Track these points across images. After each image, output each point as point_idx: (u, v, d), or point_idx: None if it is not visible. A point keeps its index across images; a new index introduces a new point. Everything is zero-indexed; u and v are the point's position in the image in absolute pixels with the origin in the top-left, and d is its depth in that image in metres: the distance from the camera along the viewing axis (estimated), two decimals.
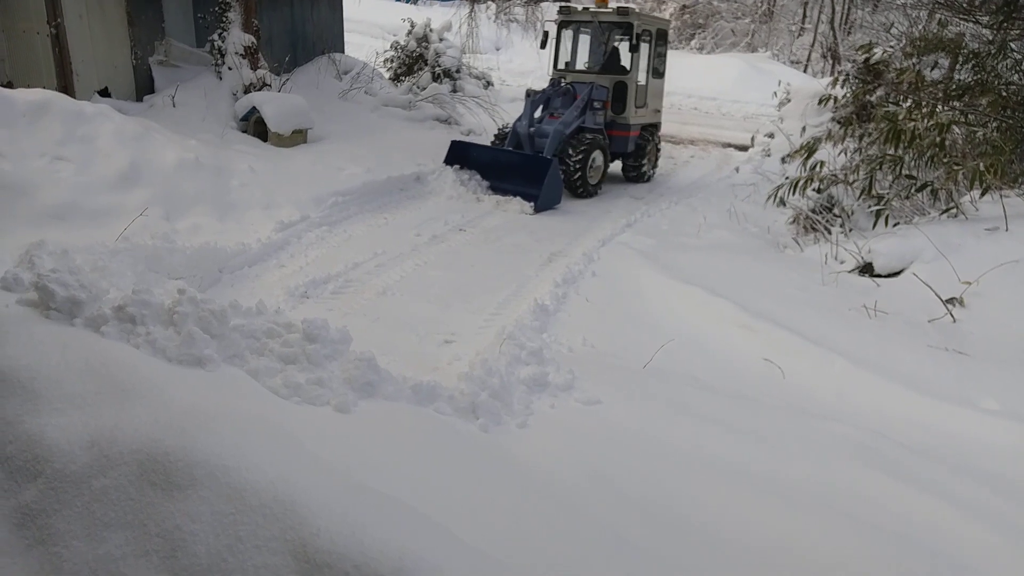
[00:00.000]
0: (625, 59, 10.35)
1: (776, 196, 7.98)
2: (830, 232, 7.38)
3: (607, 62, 10.60)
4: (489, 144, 9.86)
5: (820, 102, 9.67)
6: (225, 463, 2.03)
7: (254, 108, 9.34)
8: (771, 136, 12.10)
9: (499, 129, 10.22)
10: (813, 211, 7.85)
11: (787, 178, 8.32)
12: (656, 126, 11.14)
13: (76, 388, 2.45)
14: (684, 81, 20.54)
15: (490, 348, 4.42)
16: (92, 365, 2.55)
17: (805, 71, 24.06)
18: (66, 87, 8.02)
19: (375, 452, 2.60)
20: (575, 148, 9.20)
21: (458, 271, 6.26)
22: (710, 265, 6.56)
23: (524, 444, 3.32)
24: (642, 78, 10.48)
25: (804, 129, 10.33)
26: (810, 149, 8.31)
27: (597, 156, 9.54)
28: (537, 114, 9.65)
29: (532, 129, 9.32)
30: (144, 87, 9.56)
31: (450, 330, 5.02)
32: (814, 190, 7.92)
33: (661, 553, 2.50)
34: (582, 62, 11.08)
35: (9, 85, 7.21)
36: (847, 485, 3.27)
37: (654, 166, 11.19)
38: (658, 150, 11.25)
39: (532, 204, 8.34)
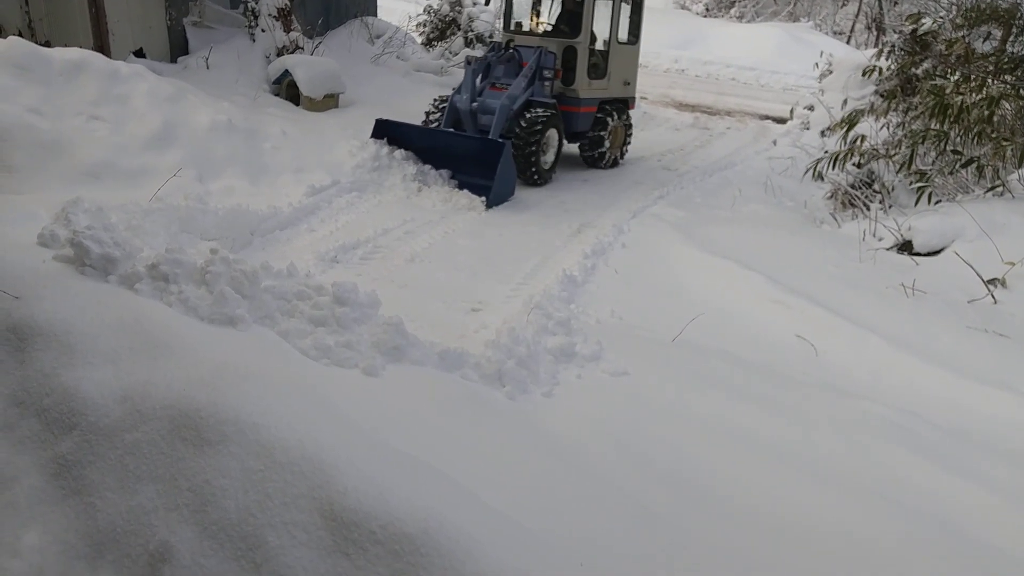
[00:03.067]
0: (584, 19, 8.53)
1: (815, 170, 7.78)
2: (869, 208, 7.20)
3: (558, 23, 8.98)
4: (423, 123, 8.22)
5: (864, 74, 9.37)
6: (255, 420, 2.05)
7: (287, 71, 9.32)
8: (811, 108, 11.79)
9: (432, 104, 8.46)
10: (852, 186, 7.65)
11: (826, 152, 8.10)
12: (626, 102, 9.43)
13: (110, 344, 2.49)
14: (722, 50, 20.09)
15: (517, 317, 4.39)
16: (126, 322, 2.59)
17: (848, 42, 23.34)
18: (102, 47, 8.06)
19: (402, 415, 2.61)
20: (526, 126, 7.67)
21: (486, 240, 6.23)
22: (743, 239, 6.44)
23: (550, 413, 3.31)
24: (601, 42, 8.87)
25: (845, 102, 10.03)
26: (851, 122, 8.08)
27: (551, 135, 8.01)
28: (478, 85, 8.11)
29: (474, 104, 7.82)
30: (178, 48, 9.58)
31: (477, 298, 5.00)
32: (854, 164, 7.71)
33: (685, 525, 2.49)
34: (539, 22, 9.43)
35: (47, 44, 7.27)
36: (878, 464, 3.22)
37: (621, 151, 9.45)
38: (628, 132, 9.46)
39: (483, 199, 6.92)
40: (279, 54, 9.76)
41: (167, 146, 6.27)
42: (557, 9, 9.14)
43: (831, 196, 8.00)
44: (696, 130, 12.66)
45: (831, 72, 11.34)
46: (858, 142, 7.69)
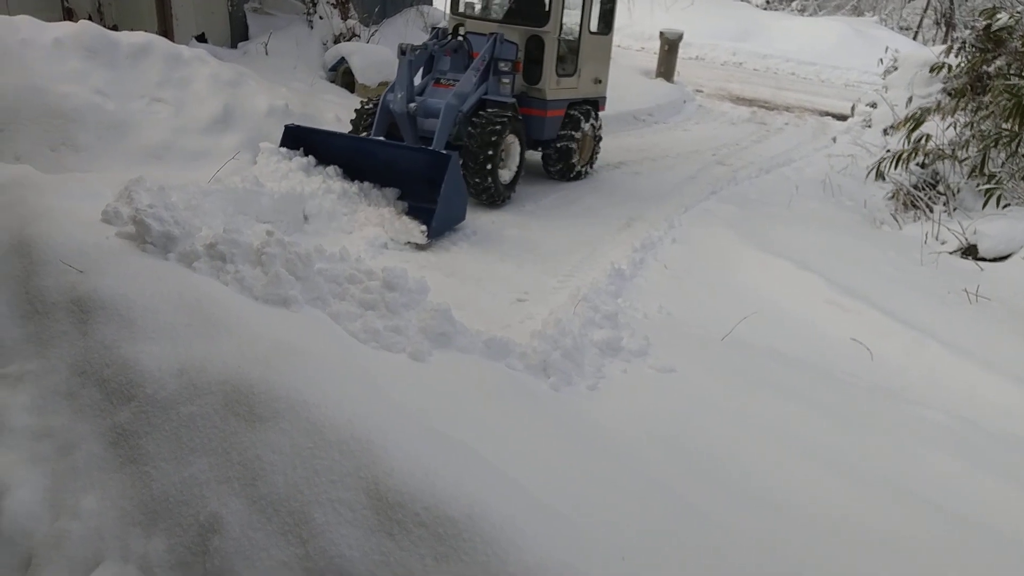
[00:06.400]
0: (550, 3, 6.99)
1: (877, 170, 7.54)
2: (932, 210, 6.96)
3: (519, 5, 7.44)
4: (351, 130, 6.64)
5: (932, 70, 9.02)
6: (306, 399, 2.08)
7: (343, 58, 9.44)
8: (873, 106, 11.41)
9: (361, 105, 6.78)
10: (915, 187, 7.40)
11: (888, 151, 7.85)
12: (595, 104, 7.92)
13: (168, 319, 2.56)
14: (782, 44, 19.61)
15: (563, 309, 4.37)
16: (184, 298, 2.66)
17: (915, 38, 22.54)
18: (166, 31, 8.28)
19: (448, 401, 2.62)
20: (479, 132, 6.17)
21: (533, 230, 6.21)
22: (799, 237, 6.29)
23: (594, 406, 3.29)
24: (572, 32, 7.34)
25: (910, 100, 9.68)
26: (916, 121, 7.80)
27: (511, 144, 6.50)
28: (418, 81, 6.65)
29: (412, 105, 6.23)
30: (239, 34, 9.79)
31: (523, 289, 5.00)
32: (917, 164, 7.45)
33: (730, 522, 2.45)
34: (492, 3, 7.85)
35: (115, 28, 7.49)
36: (931, 472, 3.14)
37: (590, 160, 7.95)
38: (597, 138, 7.92)
39: (425, 228, 5.41)
40: (336, 41, 9.90)
41: (226, 129, 6.41)
42: None
43: (892, 196, 7.75)
44: (753, 125, 12.42)
45: (896, 68, 10.94)
46: (923, 141, 7.42)
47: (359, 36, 10.22)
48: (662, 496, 2.48)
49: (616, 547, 2.00)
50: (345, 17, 10.09)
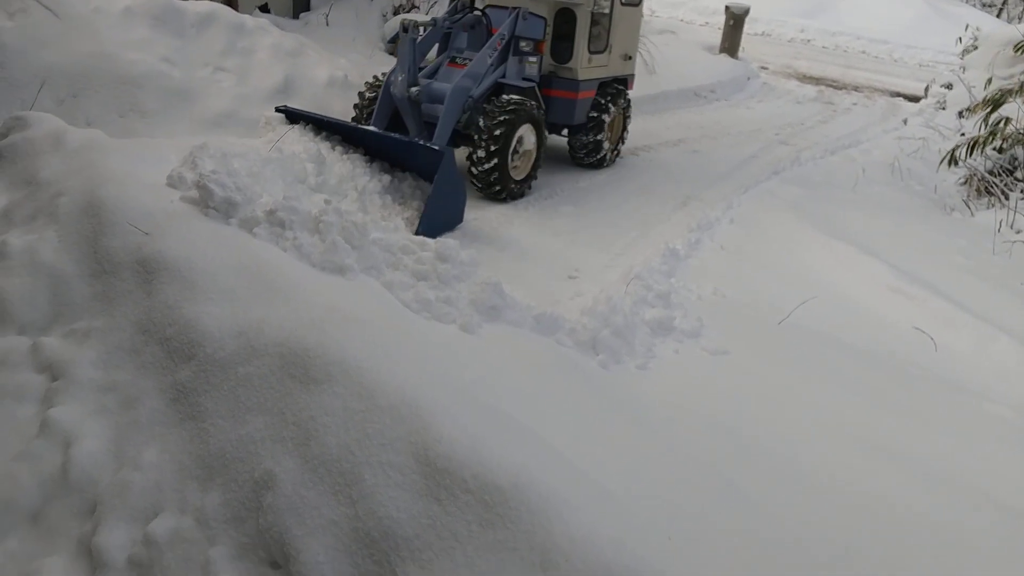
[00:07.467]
0: None
1: (952, 157, 7.20)
2: (1008, 197, 6.63)
3: None
4: (353, 118, 6.03)
5: (1016, 50, 8.53)
6: (360, 364, 2.11)
7: None
8: (949, 87, 10.89)
9: (366, 85, 6.13)
10: (990, 172, 7.05)
11: (963, 134, 7.49)
12: (625, 82, 7.14)
13: (229, 282, 2.63)
14: (853, 21, 18.85)
15: (614, 286, 4.33)
16: (244, 263, 2.73)
17: (999, 15, 21.39)
18: (230, 1, 8.41)
19: (497, 373, 2.63)
20: (491, 121, 5.44)
21: (586, 207, 6.14)
22: (864, 222, 6.09)
23: (643, 385, 3.27)
24: (604, 4, 6.55)
25: (990, 81, 9.18)
26: (995, 103, 7.41)
27: (526, 133, 5.74)
28: (431, 60, 6.08)
29: (415, 89, 5.53)
30: (300, 4, 9.88)
31: (574, 266, 4.96)
32: (994, 149, 7.09)
33: (778, 508, 2.41)
34: None
35: None
36: (995, 468, 3.02)
37: (618, 144, 7.23)
38: (627, 119, 7.23)
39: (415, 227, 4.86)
40: (395, 13, 9.92)
41: (286, 99, 6.50)
42: None
43: (965, 182, 7.41)
44: (819, 104, 12.01)
45: (976, 48, 10.40)
46: (1001, 124, 7.05)
47: (418, 8, 10.22)
48: (710, 478, 2.45)
49: (662, 526, 1.98)
50: None
